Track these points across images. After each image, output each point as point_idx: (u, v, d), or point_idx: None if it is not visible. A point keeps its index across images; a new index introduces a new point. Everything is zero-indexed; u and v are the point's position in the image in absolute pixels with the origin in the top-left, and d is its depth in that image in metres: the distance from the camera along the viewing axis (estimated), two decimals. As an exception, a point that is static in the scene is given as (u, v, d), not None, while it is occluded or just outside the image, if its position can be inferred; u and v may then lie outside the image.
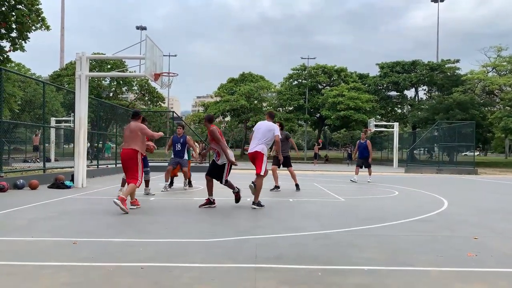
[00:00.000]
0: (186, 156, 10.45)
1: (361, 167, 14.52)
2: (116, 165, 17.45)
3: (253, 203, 7.46)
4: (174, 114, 26.37)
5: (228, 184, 7.39)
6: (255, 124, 9.22)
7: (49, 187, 10.34)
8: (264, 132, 7.83)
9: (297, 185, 10.74)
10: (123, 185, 8.97)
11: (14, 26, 17.96)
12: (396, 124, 31.85)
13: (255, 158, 7.69)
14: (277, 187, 10.55)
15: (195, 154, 10.80)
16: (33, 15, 17.98)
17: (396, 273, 3.60)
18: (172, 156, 10.31)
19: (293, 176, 10.82)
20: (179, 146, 10.21)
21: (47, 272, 3.48)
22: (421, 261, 3.99)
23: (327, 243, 4.69)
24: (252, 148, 7.80)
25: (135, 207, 7.09)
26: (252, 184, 7.55)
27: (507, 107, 32.40)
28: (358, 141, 14.66)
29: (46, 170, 12.25)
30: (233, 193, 7.65)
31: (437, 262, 3.97)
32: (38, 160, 21.32)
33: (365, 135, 14.97)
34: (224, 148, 7.14)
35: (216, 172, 7.35)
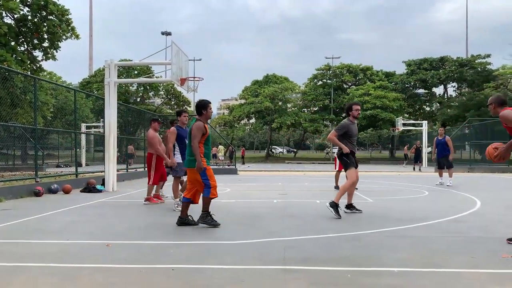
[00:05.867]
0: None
1: (443, 168, 12.59)
2: (144, 169, 17.81)
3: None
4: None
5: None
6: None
7: (81, 191, 10.67)
8: None
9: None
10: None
11: (46, 36, 18.66)
12: (424, 123, 31.15)
13: None
14: None
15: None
16: (64, 25, 18.63)
17: (428, 275, 3.54)
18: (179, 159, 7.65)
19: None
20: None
21: (82, 273, 3.60)
22: (454, 262, 3.91)
23: (356, 245, 4.65)
24: None
25: None
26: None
27: (542, 102, 31.14)
28: (436, 138, 12.99)
29: (78, 175, 12.65)
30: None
31: (471, 263, 3.87)
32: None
33: (443, 131, 13.17)
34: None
35: None
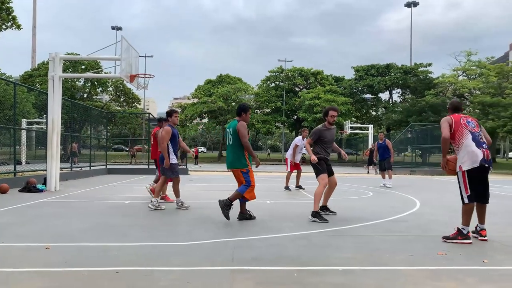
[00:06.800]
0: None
1: (385, 170, 13.22)
2: (90, 168, 17.12)
3: None
4: (150, 116, 26.05)
5: None
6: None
7: (20, 190, 10.05)
8: None
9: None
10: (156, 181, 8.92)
11: (-17, 25, 17.43)
12: (370, 126, 32.48)
13: None
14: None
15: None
16: (4, 13, 17.51)
17: (371, 273, 3.69)
18: (174, 159, 7.60)
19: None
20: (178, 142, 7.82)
21: (20, 278, 3.40)
22: (395, 260, 4.10)
23: (304, 244, 4.75)
24: None
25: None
26: None
27: (476, 110, 33.51)
28: (377, 142, 13.70)
29: (16, 173, 11.91)
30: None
31: (410, 261, 4.09)
32: None
33: (383, 135, 13.74)
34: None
35: None
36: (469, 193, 4.94)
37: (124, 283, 3.31)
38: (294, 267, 3.80)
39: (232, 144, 6.17)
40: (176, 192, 7.64)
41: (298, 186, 11.68)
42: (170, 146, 7.54)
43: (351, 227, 5.84)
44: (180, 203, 7.55)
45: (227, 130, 6.30)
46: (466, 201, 4.98)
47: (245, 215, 6.35)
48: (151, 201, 7.45)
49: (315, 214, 6.31)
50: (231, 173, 6.36)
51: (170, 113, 7.79)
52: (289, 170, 11.59)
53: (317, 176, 6.59)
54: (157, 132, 9.06)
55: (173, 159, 7.54)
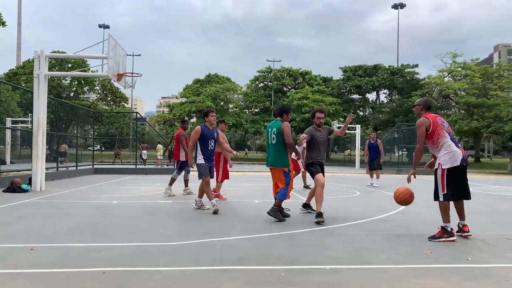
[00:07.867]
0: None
1: (374, 169, 13.22)
2: (76, 168, 16.92)
3: None
4: (138, 115, 25.83)
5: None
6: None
7: (4, 191, 9.89)
8: None
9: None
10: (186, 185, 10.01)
11: (-34, 22, 17.09)
12: (358, 126, 32.66)
13: None
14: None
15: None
16: (-13, 10, 17.17)
17: (357, 271, 3.73)
18: (201, 159, 7.26)
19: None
20: (212, 143, 7.42)
21: (2, 279, 3.35)
22: (380, 259, 4.15)
23: (291, 243, 4.77)
24: None
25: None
26: None
27: (461, 111, 34.00)
28: (368, 141, 13.56)
29: (1, 173, 11.71)
30: None
31: (396, 259, 4.13)
32: None
33: (375, 135, 13.60)
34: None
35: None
36: (445, 192, 5.08)
37: (110, 284, 3.28)
38: (282, 266, 3.82)
39: (276, 143, 6.29)
40: (200, 192, 7.53)
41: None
42: (199, 147, 7.30)
43: (338, 226, 5.89)
44: (200, 204, 7.45)
45: (269, 129, 6.43)
46: (441, 199, 5.13)
47: (277, 213, 6.33)
48: (195, 200, 7.57)
49: (317, 214, 6.28)
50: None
51: (206, 113, 7.60)
52: (302, 170, 11.51)
53: (313, 178, 6.67)
54: (180, 134, 9.28)
55: (200, 159, 7.25)
